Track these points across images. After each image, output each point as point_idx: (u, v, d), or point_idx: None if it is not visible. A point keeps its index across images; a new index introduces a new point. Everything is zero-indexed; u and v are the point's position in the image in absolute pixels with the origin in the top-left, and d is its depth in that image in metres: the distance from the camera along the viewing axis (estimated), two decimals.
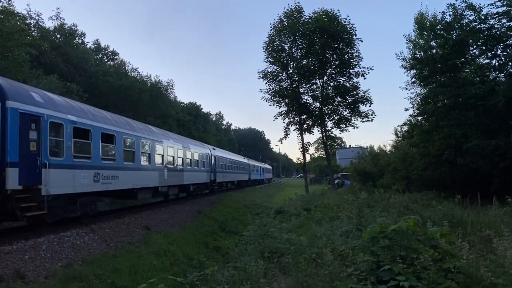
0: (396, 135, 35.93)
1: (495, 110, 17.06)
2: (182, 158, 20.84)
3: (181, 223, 16.38)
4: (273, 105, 32.25)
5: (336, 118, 31.53)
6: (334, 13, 29.00)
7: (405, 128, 30.52)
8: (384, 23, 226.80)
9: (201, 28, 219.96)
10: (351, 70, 30.15)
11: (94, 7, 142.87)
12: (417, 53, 26.12)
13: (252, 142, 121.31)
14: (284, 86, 31.84)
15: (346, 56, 29.59)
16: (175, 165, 19.62)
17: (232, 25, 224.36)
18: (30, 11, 24.83)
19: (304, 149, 32.65)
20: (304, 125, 32.19)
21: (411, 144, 25.17)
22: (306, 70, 29.66)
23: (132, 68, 39.05)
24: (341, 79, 30.74)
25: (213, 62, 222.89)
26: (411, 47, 30.33)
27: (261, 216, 14.41)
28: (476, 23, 18.83)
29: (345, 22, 29.02)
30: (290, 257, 7.56)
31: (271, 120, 77.22)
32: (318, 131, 32.50)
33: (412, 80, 25.84)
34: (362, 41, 29.94)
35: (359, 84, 30.38)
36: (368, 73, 30.22)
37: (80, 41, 34.96)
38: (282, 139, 33.60)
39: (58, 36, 31.57)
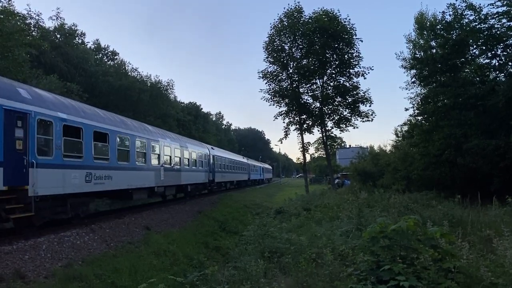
0: (396, 135, 35.96)
1: (495, 110, 17.06)
2: (180, 158, 20.52)
3: (181, 223, 16.38)
4: (273, 105, 32.33)
5: (336, 118, 31.57)
6: (334, 13, 29.04)
7: (405, 128, 30.55)
8: (384, 23, 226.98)
9: (201, 28, 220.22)
10: (351, 70, 30.21)
11: (94, 7, 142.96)
12: (417, 53, 26.12)
13: (252, 142, 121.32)
14: (284, 86, 31.88)
15: (346, 56, 29.60)
16: (172, 165, 19.27)
17: (232, 25, 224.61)
18: (30, 11, 24.91)
19: (304, 149, 32.70)
20: (304, 125, 32.21)
21: (411, 144, 25.17)
22: (306, 70, 29.67)
23: (132, 68, 39.18)
24: (341, 79, 30.79)
25: (213, 62, 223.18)
26: (411, 47, 30.35)
27: (261, 216, 14.38)
28: (476, 23, 18.83)
29: (345, 22, 29.08)
30: (290, 257, 7.56)
31: (271, 120, 77.48)
32: (318, 131, 32.56)
33: (412, 80, 25.86)
34: (362, 41, 30.02)
35: (359, 84, 30.47)
36: (368, 73, 30.30)
37: (80, 41, 35.00)
38: (282, 139, 33.68)
39: (58, 36, 31.58)
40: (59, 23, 31.24)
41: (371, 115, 30.54)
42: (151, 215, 15.91)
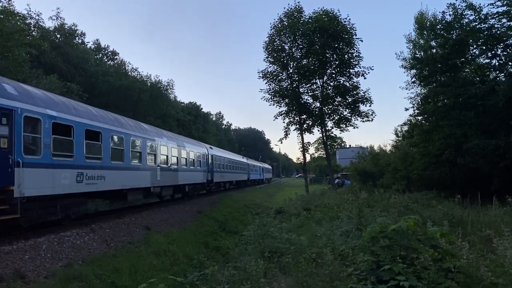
0: (396, 135, 35.97)
1: (495, 110, 17.06)
2: (177, 157, 20.16)
3: (181, 223, 16.38)
4: (273, 105, 32.29)
5: (336, 118, 31.55)
6: (334, 13, 29.02)
7: (405, 128, 30.55)
8: (384, 23, 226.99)
9: (201, 28, 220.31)
10: (351, 70, 30.18)
11: (94, 7, 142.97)
12: (417, 53, 26.15)
13: (252, 142, 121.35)
14: (284, 86, 31.86)
15: (346, 56, 29.58)
16: (168, 165, 18.88)
17: (232, 25, 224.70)
18: (30, 11, 24.91)
19: (304, 149, 32.68)
20: (304, 125, 32.19)
21: (411, 144, 25.17)
22: (306, 70, 29.66)
23: (132, 68, 39.24)
24: (341, 79, 30.76)
25: (213, 62, 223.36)
26: (411, 47, 30.41)
27: (261, 216, 14.40)
28: (476, 23, 18.84)
29: (345, 22, 29.05)
30: (290, 257, 7.56)
31: (271, 120, 77.46)
32: (318, 131, 32.54)
33: (412, 80, 25.91)
34: (362, 41, 29.99)
35: (359, 84, 30.44)
36: (368, 73, 30.27)
37: (80, 41, 35.03)
38: (282, 139, 33.64)
39: (58, 36, 31.60)
40: (59, 23, 31.30)
41: (371, 115, 30.57)
42: (151, 215, 15.91)
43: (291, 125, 32.22)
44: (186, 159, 21.73)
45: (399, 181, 23.63)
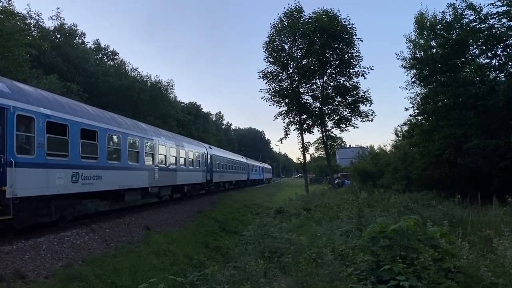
0: (396, 135, 35.98)
1: (495, 110, 17.07)
2: (175, 157, 19.95)
3: (181, 223, 16.38)
4: (273, 105, 32.32)
5: (336, 118, 31.57)
6: (334, 13, 29.04)
7: (405, 128, 30.55)
8: (384, 23, 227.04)
9: (201, 28, 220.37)
10: (351, 70, 30.20)
11: (94, 7, 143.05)
12: (417, 53, 26.16)
13: (252, 142, 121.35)
14: (284, 86, 31.88)
15: (346, 56, 29.60)
16: (167, 165, 18.64)
17: (232, 25, 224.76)
18: (30, 11, 24.89)
19: (304, 149, 32.69)
20: (304, 125, 32.20)
21: (411, 144, 25.19)
22: (306, 70, 29.67)
23: (132, 68, 39.17)
24: (341, 79, 30.79)
25: (213, 62, 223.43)
26: (411, 47, 30.39)
27: (261, 216, 14.38)
28: (476, 23, 18.84)
29: (345, 22, 29.07)
30: (290, 257, 7.56)
31: (271, 120, 77.52)
32: (318, 131, 32.56)
33: (412, 80, 25.92)
34: (362, 41, 30.01)
35: (359, 84, 30.46)
36: (368, 73, 30.30)
37: (80, 41, 35.00)
38: (282, 139, 33.68)
39: (58, 36, 31.59)
40: (59, 23, 31.27)
41: (371, 115, 30.60)
42: (151, 215, 15.91)
43: (291, 125, 32.30)
44: (185, 159, 21.52)
45: (399, 181, 23.64)
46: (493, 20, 18.29)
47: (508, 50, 18.70)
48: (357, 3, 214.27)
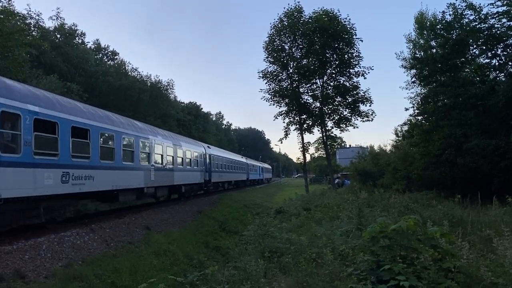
0: (396, 134, 36.02)
1: (495, 110, 17.07)
2: (172, 157, 19.58)
3: (181, 223, 16.39)
4: (273, 105, 32.34)
5: (336, 118, 31.58)
6: (334, 13, 29.04)
7: (405, 127, 30.58)
8: (384, 23, 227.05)
9: (201, 28, 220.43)
10: (351, 70, 30.22)
11: (94, 7, 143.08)
12: (417, 52, 26.19)
13: (252, 142, 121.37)
14: (284, 86, 31.89)
15: (346, 56, 29.61)
16: (163, 164, 18.17)
17: (232, 25, 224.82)
18: (30, 11, 24.87)
19: (304, 149, 32.70)
20: (304, 125, 32.21)
21: (411, 144, 25.20)
22: (306, 70, 29.67)
23: (132, 68, 39.16)
24: (341, 79, 30.80)
25: (213, 62, 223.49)
26: (411, 46, 30.44)
27: (261, 216, 14.39)
28: (476, 23, 18.85)
29: (345, 21, 29.08)
30: (290, 256, 7.57)
31: (271, 120, 77.52)
32: (318, 131, 32.57)
33: (412, 79, 25.95)
34: (362, 40, 30.03)
35: (359, 84, 30.47)
36: (368, 72, 30.32)
37: (80, 41, 35.02)
38: (282, 139, 33.69)
39: (58, 36, 31.60)
40: (59, 23, 31.28)
41: (371, 115, 30.61)
42: (151, 215, 15.91)
43: (291, 125, 32.31)
44: (182, 158, 21.15)
45: (399, 181, 23.64)
46: (493, 20, 18.32)
47: (508, 50, 18.70)
48: (357, 3, 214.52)
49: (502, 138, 16.10)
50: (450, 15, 20.19)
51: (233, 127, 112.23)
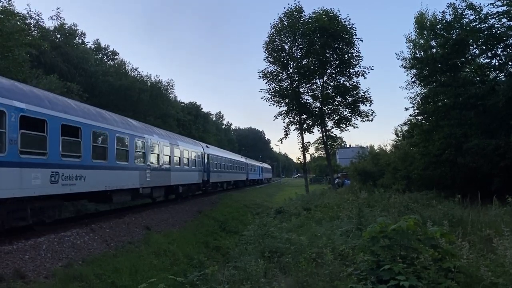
0: (396, 134, 36.03)
1: (495, 109, 17.07)
2: (169, 156, 19.04)
3: (181, 223, 16.39)
4: (273, 105, 32.38)
5: (336, 117, 31.61)
6: (334, 13, 29.06)
7: (405, 127, 30.54)
8: (384, 23, 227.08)
9: (201, 28, 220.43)
10: (351, 70, 30.24)
11: (94, 7, 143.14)
12: (417, 52, 26.18)
13: (252, 142, 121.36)
14: (284, 85, 31.91)
15: (346, 56, 29.62)
16: (160, 164, 17.74)
17: (232, 25, 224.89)
18: (30, 11, 24.88)
19: (304, 149, 32.71)
20: (304, 125, 32.23)
21: (411, 144, 25.19)
22: (306, 70, 29.68)
23: (132, 68, 39.16)
24: (341, 78, 30.82)
25: (213, 62, 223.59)
26: (411, 46, 30.44)
27: (261, 216, 14.37)
28: (476, 23, 18.85)
29: (345, 21, 29.10)
30: (290, 256, 7.56)
31: (271, 120, 77.62)
32: (318, 131, 32.60)
33: (412, 79, 25.94)
34: (362, 40, 30.05)
35: (359, 84, 30.50)
36: (368, 72, 30.35)
37: (80, 41, 35.01)
38: (282, 139, 33.75)
39: (58, 36, 31.59)
40: (59, 23, 31.27)
41: (371, 115, 30.64)
42: (151, 215, 15.91)
43: (291, 125, 32.33)
44: (179, 158, 20.77)
45: (399, 181, 23.64)
46: (493, 20, 18.31)
47: (508, 50, 18.70)
48: (357, 3, 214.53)
49: (502, 138, 16.09)
50: (450, 15, 20.21)
51: (233, 127, 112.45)
